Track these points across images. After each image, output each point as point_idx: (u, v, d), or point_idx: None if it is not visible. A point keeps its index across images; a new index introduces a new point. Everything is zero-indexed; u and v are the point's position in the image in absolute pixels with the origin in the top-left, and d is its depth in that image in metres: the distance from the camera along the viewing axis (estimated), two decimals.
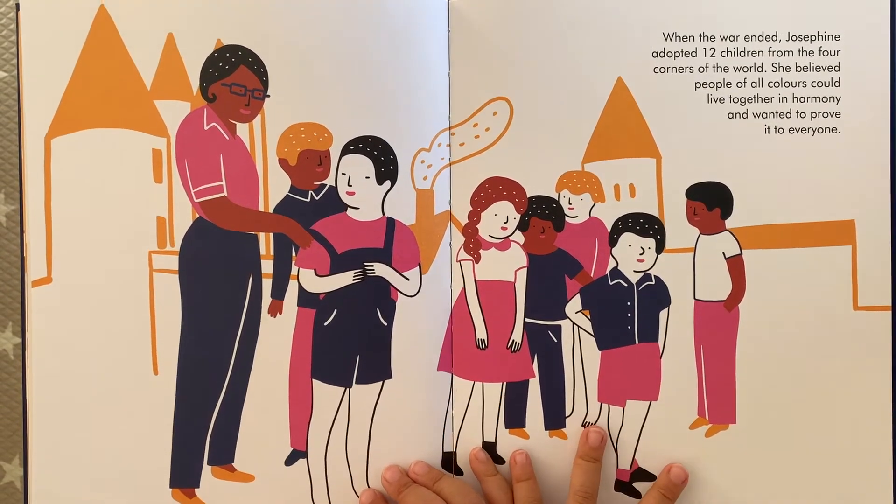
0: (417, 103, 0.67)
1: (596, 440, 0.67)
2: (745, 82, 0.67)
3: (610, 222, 0.68)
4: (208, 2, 0.65)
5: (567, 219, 0.68)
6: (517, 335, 0.68)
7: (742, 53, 0.67)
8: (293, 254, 0.66)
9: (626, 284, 0.68)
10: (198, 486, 0.66)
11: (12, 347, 0.73)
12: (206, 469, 0.66)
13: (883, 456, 0.67)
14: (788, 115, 0.67)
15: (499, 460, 0.68)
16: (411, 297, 0.67)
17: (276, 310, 0.66)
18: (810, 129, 0.67)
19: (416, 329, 0.67)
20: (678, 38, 0.67)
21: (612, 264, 0.68)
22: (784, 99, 0.67)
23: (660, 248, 0.68)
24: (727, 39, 0.67)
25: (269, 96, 0.65)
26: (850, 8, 0.66)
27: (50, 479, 0.65)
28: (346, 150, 0.66)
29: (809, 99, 0.67)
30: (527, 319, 0.68)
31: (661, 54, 0.67)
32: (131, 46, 0.64)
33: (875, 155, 0.67)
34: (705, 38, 0.67)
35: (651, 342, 0.68)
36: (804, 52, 0.67)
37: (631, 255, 0.68)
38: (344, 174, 0.66)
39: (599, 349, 0.68)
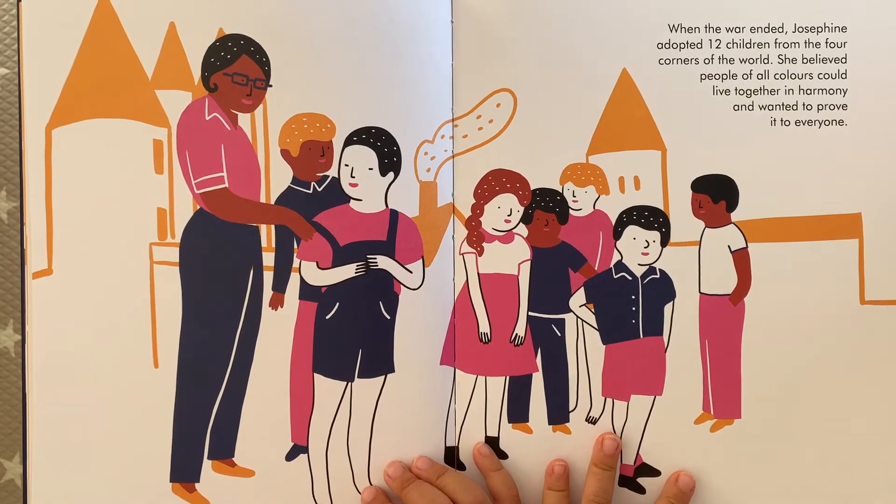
0: (420, 94, 0.66)
1: (611, 447, 0.66)
2: (750, 74, 0.66)
3: (614, 215, 0.67)
4: None
5: (571, 211, 0.67)
6: (520, 329, 0.68)
7: (748, 45, 0.66)
8: (295, 246, 0.66)
9: (630, 278, 0.67)
10: (198, 481, 0.65)
11: (13, 345, 0.72)
12: (207, 463, 0.65)
13: (891, 452, 0.66)
14: (795, 107, 0.66)
15: (502, 455, 0.67)
16: (414, 290, 0.67)
17: (277, 303, 0.66)
18: (817, 122, 0.66)
19: (419, 322, 0.67)
20: (683, 30, 0.66)
21: (616, 257, 0.67)
22: (790, 91, 0.66)
23: (665, 241, 0.67)
24: (733, 31, 0.66)
25: (271, 86, 0.65)
26: None
27: (50, 477, 0.64)
28: (348, 141, 0.66)
29: (816, 91, 0.66)
30: (530, 313, 0.68)
31: (667, 46, 0.67)
32: (133, 35, 0.64)
33: (882, 147, 0.66)
34: (711, 29, 0.66)
35: (656, 336, 0.67)
36: (810, 44, 0.66)
37: (635, 249, 0.67)
38: (347, 165, 0.66)
39: (604, 343, 0.67)
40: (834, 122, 0.66)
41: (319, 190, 0.66)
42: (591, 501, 0.65)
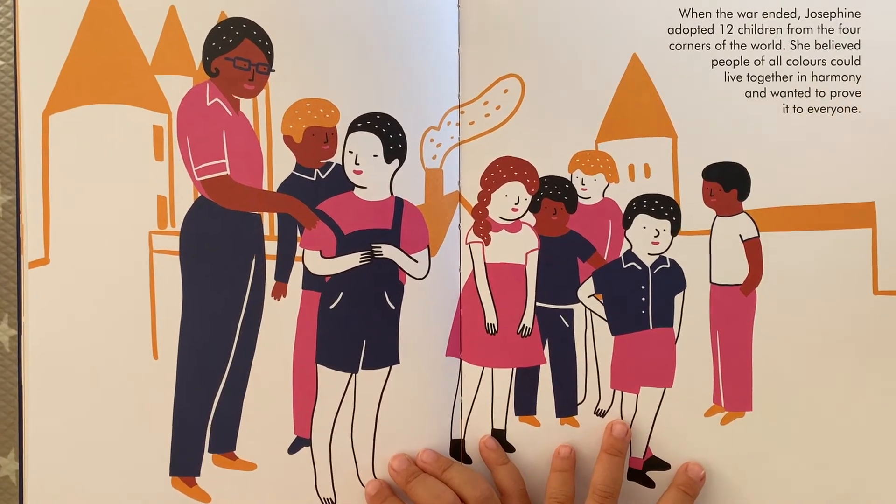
0: (427, 80, 0.65)
1: (621, 431, 0.65)
2: (763, 60, 0.65)
3: (624, 203, 0.66)
4: None
5: (580, 200, 0.66)
6: (528, 320, 0.67)
7: (760, 30, 0.65)
8: (298, 234, 0.65)
9: (640, 267, 0.66)
10: (198, 475, 0.65)
11: (8, 339, 0.71)
12: (207, 457, 0.65)
13: None
14: (807, 93, 0.66)
15: (509, 448, 0.66)
16: (420, 279, 0.66)
17: (279, 292, 0.65)
18: (830, 109, 0.66)
19: (425, 313, 0.66)
20: (695, 15, 0.65)
21: (625, 247, 0.67)
22: (803, 77, 0.66)
23: (675, 230, 0.66)
24: (745, 16, 0.65)
25: (273, 71, 0.64)
26: None
27: (46, 473, 0.63)
28: (353, 128, 0.64)
29: (829, 77, 0.66)
30: (538, 303, 0.67)
31: (678, 31, 0.66)
32: (132, 19, 0.63)
33: None
34: (722, 14, 0.65)
35: (665, 327, 0.66)
36: (824, 30, 0.66)
37: (645, 238, 0.66)
38: (351, 152, 0.65)
39: (613, 334, 0.66)
40: (847, 109, 0.65)
41: (323, 177, 0.65)
42: (599, 492, 0.64)
